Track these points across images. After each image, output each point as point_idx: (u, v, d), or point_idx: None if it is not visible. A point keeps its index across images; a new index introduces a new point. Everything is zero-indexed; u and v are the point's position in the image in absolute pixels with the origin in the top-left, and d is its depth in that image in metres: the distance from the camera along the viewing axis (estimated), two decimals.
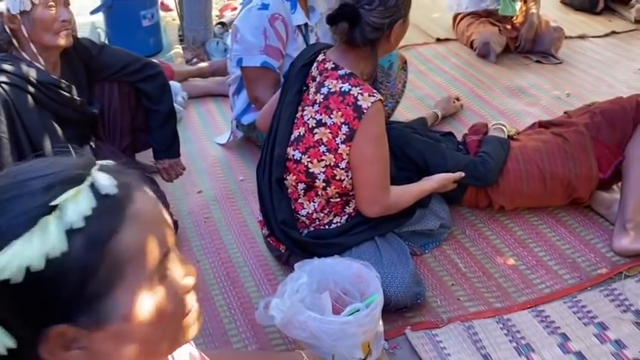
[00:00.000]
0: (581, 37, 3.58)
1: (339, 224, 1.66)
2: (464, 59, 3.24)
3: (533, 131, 2.08)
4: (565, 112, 2.22)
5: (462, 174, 1.78)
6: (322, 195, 1.61)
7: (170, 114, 1.92)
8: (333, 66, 1.55)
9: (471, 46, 3.31)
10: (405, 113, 2.70)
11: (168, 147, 1.93)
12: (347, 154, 1.52)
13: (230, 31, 2.43)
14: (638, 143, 1.87)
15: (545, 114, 2.64)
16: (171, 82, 2.69)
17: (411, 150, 1.88)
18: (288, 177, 1.62)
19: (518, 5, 3.32)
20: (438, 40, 3.48)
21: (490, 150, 1.92)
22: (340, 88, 1.49)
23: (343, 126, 1.49)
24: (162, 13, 3.68)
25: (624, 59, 3.30)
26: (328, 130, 1.51)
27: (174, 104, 2.56)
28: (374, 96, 1.48)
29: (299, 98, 1.60)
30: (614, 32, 3.66)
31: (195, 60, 3.15)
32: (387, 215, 1.64)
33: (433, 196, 1.91)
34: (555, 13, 3.94)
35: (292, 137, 1.59)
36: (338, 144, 1.51)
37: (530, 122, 2.53)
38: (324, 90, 1.52)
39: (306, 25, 2.10)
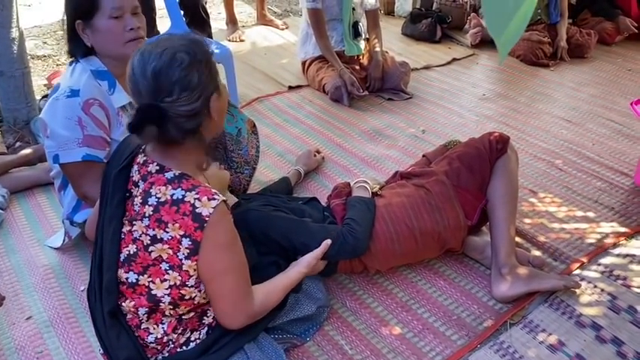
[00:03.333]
0: (427, 67, 3.68)
1: (198, 341, 1.41)
2: (318, 106, 3.15)
3: (396, 184, 1.99)
4: (423, 155, 2.17)
5: (328, 242, 1.64)
6: (171, 314, 1.35)
7: None
8: (157, 168, 1.30)
9: (324, 91, 3.23)
10: (266, 173, 2.52)
11: None
12: (194, 270, 1.29)
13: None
14: (497, 185, 1.84)
15: (405, 155, 2.61)
16: None
17: (274, 232, 1.69)
18: (124, 303, 1.35)
19: (363, 44, 3.33)
20: (290, 87, 3.37)
21: (356, 215, 1.78)
22: (172, 195, 1.26)
23: (184, 239, 1.26)
24: None
25: (468, 86, 3.42)
26: (167, 246, 1.27)
27: None
28: (215, 198, 1.26)
29: (122, 210, 1.34)
30: (455, 59, 3.81)
31: (18, 144, 2.72)
32: None
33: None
34: (398, 46, 4.04)
35: (122, 257, 1.33)
36: (181, 260, 1.28)
37: (391, 167, 2.50)
38: (153, 200, 1.27)
39: (131, 104, 1.83)
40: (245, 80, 3.44)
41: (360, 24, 3.29)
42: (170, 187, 1.27)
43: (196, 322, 1.41)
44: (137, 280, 1.32)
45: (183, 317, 1.37)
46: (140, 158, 1.34)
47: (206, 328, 1.43)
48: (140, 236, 1.29)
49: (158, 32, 3.18)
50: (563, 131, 2.85)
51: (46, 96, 3.07)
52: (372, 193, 1.95)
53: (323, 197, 2.12)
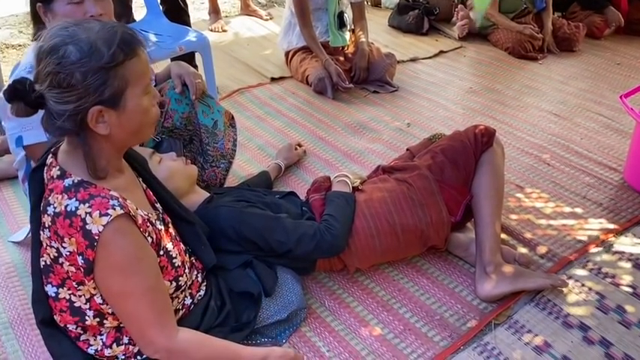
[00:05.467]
0: (413, 59, 3.60)
1: None
2: (301, 98, 3.06)
3: (377, 178, 1.91)
4: (407, 149, 2.10)
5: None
6: (108, 325, 1.27)
7: None
8: (59, 173, 1.17)
9: (307, 82, 3.14)
10: (245, 167, 2.43)
11: None
12: (94, 288, 1.19)
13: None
14: (483, 180, 1.77)
15: (389, 149, 2.53)
16: None
17: (248, 230, 1.60)
18: (55, 316, 1.27)
19: (348, 35, 3.24)
20: (273, 79, 3.27)
21: (335, 211, 1.70)
22: (66, 207, 1.12)
23: (78, 257, 1.14)
24: None
25: (455, 79, 3.35)
26: (68, 262, 1.16)
27: None
28: (108, 214, 1.11)
29: (38, 214, 1.22)
30: (442, 52, 3.73)
31: None
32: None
33: (281, 274, 1.65)
34: (385, 37, 3.95)
35: (42, 266, 1.23)
36: (83, 277, 1.17)
37: (374, 161, 2.42)
38: (50, 210, 1.15)
39: None
40: (227, 71, 3.34)
41: (346, 14, 3.20)
42: (66, 197, 1.13)
43: None
44: (57, 293, 1.22)
45: (122, 326, 1.28)
46: (49, 159, 1.22)
47: None
48: (47, 247, 1.19)
49: (134, 20, 3.06)
50: (551, 125, 2.78)
51: None
52: (353, 187, 1.87)
53: (304, 192, 2.04)
